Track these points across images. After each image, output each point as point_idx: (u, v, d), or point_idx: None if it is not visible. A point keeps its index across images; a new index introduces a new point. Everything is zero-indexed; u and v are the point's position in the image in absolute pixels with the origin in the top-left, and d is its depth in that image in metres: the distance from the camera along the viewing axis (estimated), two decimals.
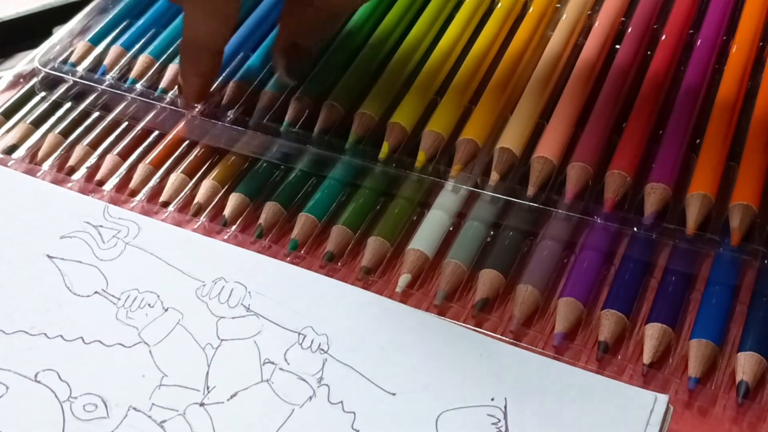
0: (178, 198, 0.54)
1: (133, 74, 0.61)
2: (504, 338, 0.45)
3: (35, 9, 0.69)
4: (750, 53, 0.55)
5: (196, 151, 0.56)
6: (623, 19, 0.59)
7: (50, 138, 0.58)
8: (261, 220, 0.51)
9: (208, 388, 0.43)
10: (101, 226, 0.51)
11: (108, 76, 0.61)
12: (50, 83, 0.61)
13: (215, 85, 0.58)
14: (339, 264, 0.49)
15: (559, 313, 0.45)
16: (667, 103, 0.53)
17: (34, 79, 0.62)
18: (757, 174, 0.47)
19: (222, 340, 0.45)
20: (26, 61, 0.63)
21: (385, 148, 0.52)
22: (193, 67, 0.55)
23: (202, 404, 0.43)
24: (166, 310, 0.47)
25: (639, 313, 0.46)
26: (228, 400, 0.43)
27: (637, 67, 0.55)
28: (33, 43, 0.65)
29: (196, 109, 0.56)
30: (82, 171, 0.56)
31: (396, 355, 0.44)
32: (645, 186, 0.48)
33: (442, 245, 0.50)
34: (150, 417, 0.43)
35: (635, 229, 0.47)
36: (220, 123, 0.56)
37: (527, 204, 0.49)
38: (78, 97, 0.61)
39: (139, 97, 0.59)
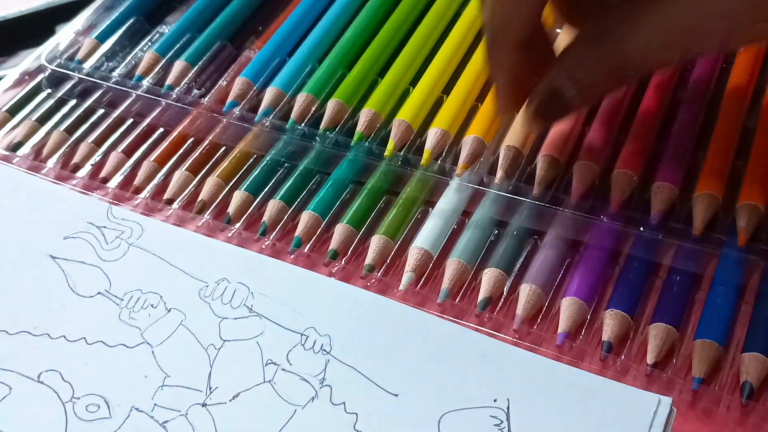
0: (183, 195, 0.54)
1: (139, 71, 0.61)
2: (507, 338, 0.45)
3: (38, 7, 0.69)
4: (758, 52, 0.54)
5: (200, 148, 0.56)
6: None
7: (55, 135, 0.58)
8: (265, 218, 0.51)
9: (210, 388, 0.43)
10: (104, 226, 0.51)
11: (114, 73, 0.61)
12: (56, 80, 0.62)
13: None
14: (343, 262, 0.49)
15: (562, 312, 0.45)
16: (674, 102, 0.53)
17: (41, 76, 0.62)
18: (765, 174, 0.47)
19: (224, 340, 0.45)
20: (32, 58, 0.63)
21: (390, 146, 0.52)
22: (498, 64, 0.45)
23: (204, 405, 0.43)
24: (169, 310, 0.47)
25: (643, 313, 0.45)
26: (230, 400, 0.43)
27: None
28: (36, 41, 0.65)
29: None
30: (87, 168, 0.56)
31: (398, 355, 0.44)
32: (651, 185, 0.48)
33: (446, 244, 0.49)
34: (152, 417, 0.43)
35: (641, 228, 0.46)
36: (225, 120, 0.56)
37: (533, 203, 0.48)
38: (84, 93, 0.61)
39: (145, 94, 0.59)
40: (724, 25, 0.38)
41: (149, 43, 0.64)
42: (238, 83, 0.58)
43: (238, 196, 0.53)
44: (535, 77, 0.44)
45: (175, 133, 0.57)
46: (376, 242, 0.49)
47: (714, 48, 0.46)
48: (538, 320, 0.46)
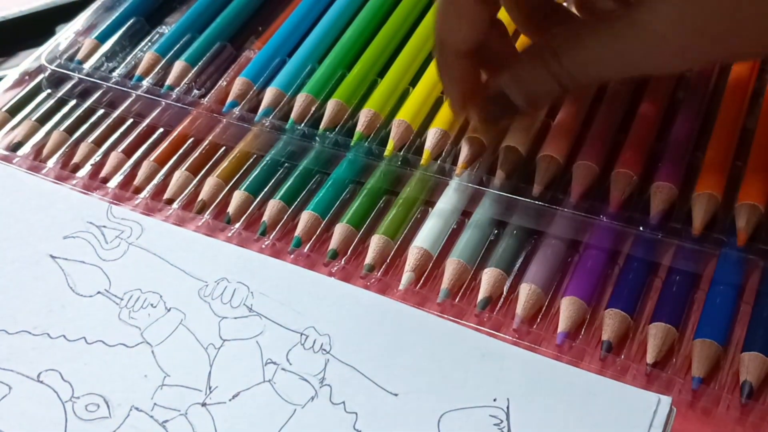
0: (183, 195, 0.54)
1: (139, 71, 0.61)
2: (507, 338, 0.45)
3: (38, 7, 0.70)
4: None
5: (200, 148, 0.56)
6: None
7: (55, 135, 0.58)
8: (265, 218, 0.51)
9: (210, 388, 0.43)
10: (104, 226, 0.51)
11: (114, 73, 0.61)
12: (56, 80, 0.62)
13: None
14: (342, 262, 0.49)
15: (562, 312, 0.45)
16: (673, 102, 0.53)
17: (41, 76, 0.62)
18: (764, 173, 0.47)
19: (224, 340, 0.45)
20: (33, 58, 0.63)
21: (390, 146, 0.52)
22: (445, 71, 0.49)
23: (204, 404, 0.43)
24: (169, 310, 0.47)
25: (643, 313, 0.45)
26: (230, 400, 0.43)
27: None
28: (36, 41, 0.65)
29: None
30: (87, 168, 0.56)
31: (398, 355, 0.44)
32: (651, 185, 0.48)
33: (446, 243, 0.49)
34: (152, 417, 0.43)
35: (641, 228, 0.46)
36: (225, 120, 0.56)
37: (532, 203, 0.48)
38: (84, 94, 0.61)
39: (145, 94, 0.59)
40: (659, 59, 0.41)
41: (149, 44, 0.64)
42: (238, 83, 0.58)
43: (238, 196, 0.53)
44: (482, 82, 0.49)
45: (175, 133, 0.57)
46: (375, 242, 0.49)
47: (652, 72, 0.51)
48: (538, 320, 0.46)
